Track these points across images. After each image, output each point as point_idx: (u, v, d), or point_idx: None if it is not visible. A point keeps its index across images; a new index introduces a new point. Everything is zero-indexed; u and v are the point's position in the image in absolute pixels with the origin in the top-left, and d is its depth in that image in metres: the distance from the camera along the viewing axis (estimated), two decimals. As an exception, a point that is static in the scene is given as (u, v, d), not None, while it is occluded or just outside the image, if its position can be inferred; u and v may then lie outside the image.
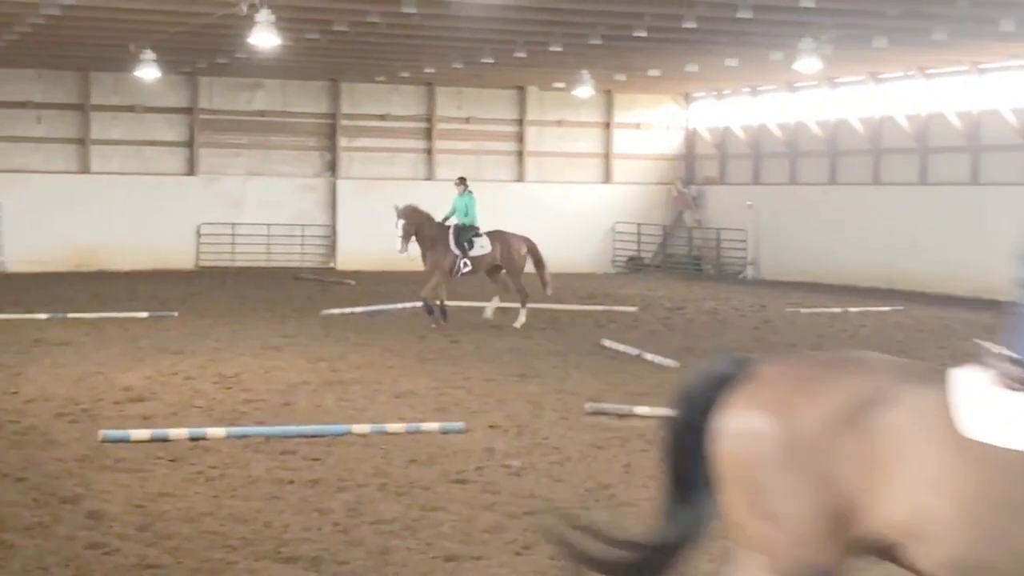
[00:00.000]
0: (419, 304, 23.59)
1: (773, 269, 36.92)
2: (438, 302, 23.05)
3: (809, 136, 36.63)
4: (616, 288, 32.71)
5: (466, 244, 23.26)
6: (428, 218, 23.47)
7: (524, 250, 24.25)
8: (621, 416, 13.97)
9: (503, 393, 15.63)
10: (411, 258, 23.79)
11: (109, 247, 35.60)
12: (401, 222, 23.03)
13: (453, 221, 23.72)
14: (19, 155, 35.94)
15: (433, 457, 11.88)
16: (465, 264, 23.21)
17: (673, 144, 41.71)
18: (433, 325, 22.48)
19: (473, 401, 15.05)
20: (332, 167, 38.96)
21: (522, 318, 23.32)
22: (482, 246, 23.45)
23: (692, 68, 31.63)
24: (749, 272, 37.27)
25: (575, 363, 18.40)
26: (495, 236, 23.89)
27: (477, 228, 23.70)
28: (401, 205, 23.47)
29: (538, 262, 24.39)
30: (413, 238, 23.24)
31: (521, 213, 39.22)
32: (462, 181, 24.48)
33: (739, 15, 22.14)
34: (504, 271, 23.86)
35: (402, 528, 9.43)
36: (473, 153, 39.87)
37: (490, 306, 23.73)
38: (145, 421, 13.42)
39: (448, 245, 23.13)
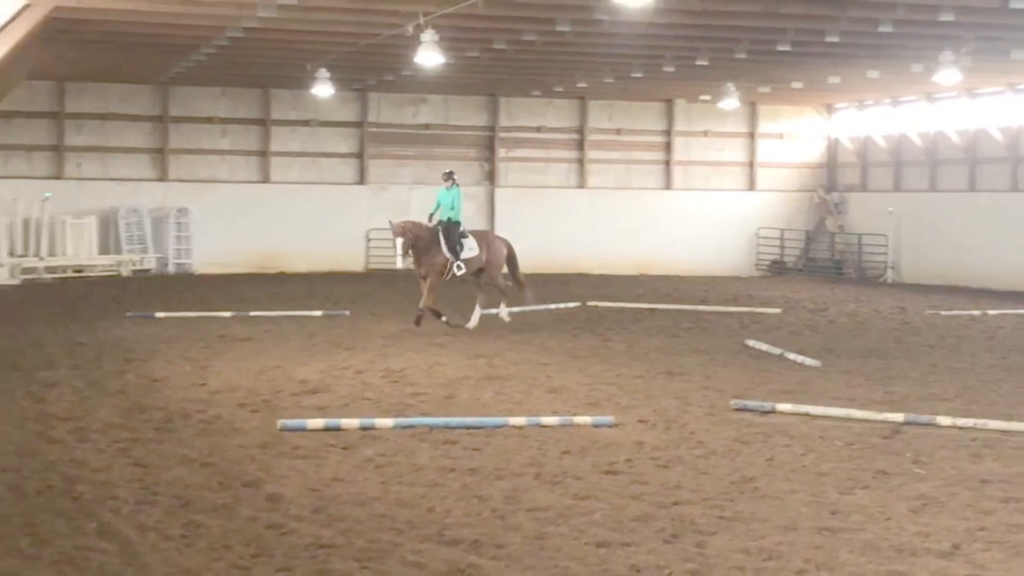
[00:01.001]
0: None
1: (913, 273, 36.19)
2: (422, 306, 21.72)
3: (948, 145, 35.82)
4: (760, 291, 32.35)
5: (457, 247, 21.87)
6: (421, 227, 21.97)
7: (505, 251, 22.88)
8: (764, 413, 13.83)
9: (651, 389, 15.57)
10: (406, 266, 22.31)
11: (287, 251, 36.21)
12: (400, 240, 21.45)
13: (438, 217, 22.26)
14: (206, 166, 36.76)
15: (585, 449, 11.88)
16: (459, 267, 21.92)
17: (815, 153, 41.09)
18: (445, 319, 21.79)
19: (623, 397, 15.01)
20: (490, 176, 39.11)
21: (476, 319, 22.16)
22: (471, 248, 22.07)
23: (834, 80, 31.19)
24: (889, 276, 36.57)
25: (720, 361, 18.25)
26: (480, 236, 22.78)
27: (460, 225, 22.15)
28: (395, 222, 22.09)
29: (513, 264, 23.19)
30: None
31: (668, 219, 39.23)
32: (450, 176, 22.59)
33: (880, 29, 21.77)
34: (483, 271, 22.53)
35: (556, 515, 9.44)
36: (623, 163, 39.78)
37: (502, 311, 22.72)
38: (319, 411, 13.64)
39: (441, 249, 21.73)
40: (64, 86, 35.11)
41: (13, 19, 18.81)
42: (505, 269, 23.12)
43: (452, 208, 22.03)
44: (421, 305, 21.69)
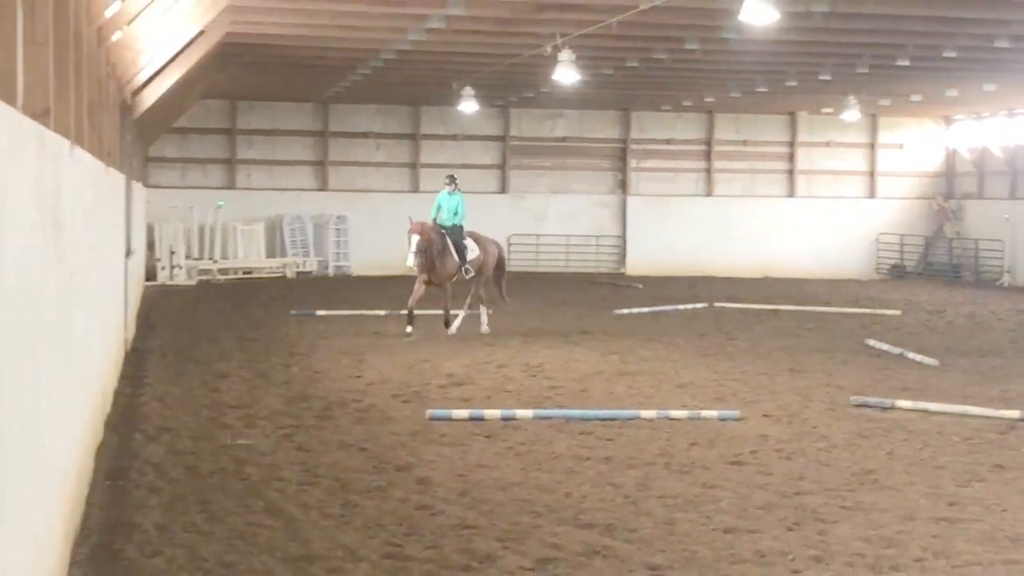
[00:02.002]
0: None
1: (1031, 277, 35.40)
2: (408, 311, 20.09)
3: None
4: (880, 293, 31.77)
5: (464, 251, 20.56)
6: (436, 231, 20.41)
7: (496, 253, 21.65)
8: (884, 409, 13.60)
9: (775, 386, 15.41)
10: (411, 268, 20.56)
11: (434, 255, 36.51)
12: (416, 238, 19.93)
13: (441, 220, 20.70)
14: (362, 177, 37.29)
15: (712, 441, 11.81)
16: (467, 271, 20.54)
17: (934, 162, 40.27)
18: (408, 336, 19.58)
19: (748, 392, 14.88)
20: (623, 185, 39.04)
21: (458, 324, 20.67)
22: (472, 249, 20.75)
23: (952, 93, 30.52)
24: (1006, 279, 35.65)
25: (841, 360, 17.98)
26: (474, 238, 21.22)
27: (463, 231, 20.80)
28: (414, 220, 20.38)
29: (501, 267, 21.89)
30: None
31: (791, 225, 38.78)
32: (452, 180, 21.19)
33: (997, 44, 21.25)
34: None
35: (685, 503, 9.41)
36: (748, 172, 39.44)
37: (483, 317, 21.09)
38: (464, 403, 13.76)
39: (451, 254, 20.39)
40: (235, 104, 35.91)
41: (189, 44, 19.27)
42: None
43: (456, 213, 20.76)
44: (412, 308, 20.10)
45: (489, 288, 21.35)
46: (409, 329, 19.64)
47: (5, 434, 4.78)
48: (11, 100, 5.97)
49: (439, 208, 20.83)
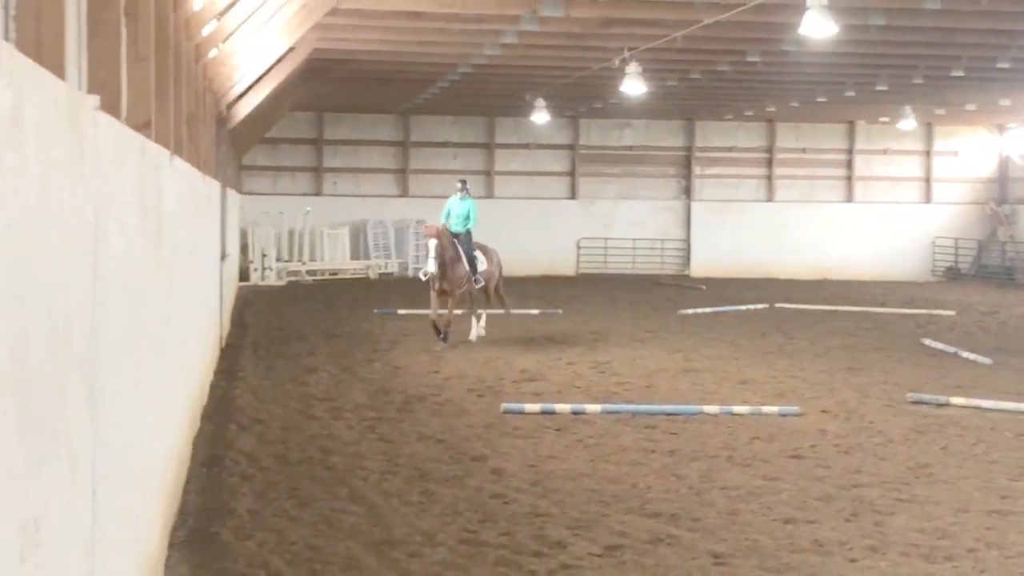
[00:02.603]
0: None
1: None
2: (442, 323, 18.26)
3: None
4: (935, 295, 31.33)
5: (475, 260, 18.74)
6: (449, 236, 18.57)
7: (499, 262, 19.96)
8: (939, 405, 13.41)
9: (833, 383, 15.25)
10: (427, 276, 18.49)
11: (508, 257, 36.12)
12: (434, 243, 18.08)
13: (451, 226, 18.86)
14: (440, 184, 37.31)
15: (772, 435, 11.72)
16: (477, 281, 18.66)
17: (988, 168, 39.69)
18: (438, 348, 17.79)
19: (807, 389, 14.75)
20: (687, 191, 38.88)
21: (484, 329, 19.23)
22: (482, 260, 18.92)
23: (1005, 103, 30.08)
24: (1058, 281, 35.12)
25: (897, 358, 17.76)
26: (481, 249, 19.36)
27: (472, 237, 19.03)
28: (429, 225, 19.31)
29: (501, 276, 20.28)
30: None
31: (849, 229, 38.42)
32: (463, 185, 19.38)
33: (1049, 55, 20.96)
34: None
35: (746, 493, 9.35)
36: (807, 178, 39.14)
37: (477, 328, 19.23)
38: (536, 397, 13.76)
39: (462, 261, 18.45)
40: (322, 116, 36.24)
41: (280, 60, 19.48)
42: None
43: (467, 219, 18.97)
44: (436, 319, 18.38)
45: (490, 297, 19.69)
46: (438, 347, 17.85)
47: (109, 426, 4.87)
48: (115, 113, 6.07)
49: (448, 213, 19.08)
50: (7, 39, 4.79)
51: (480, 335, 19.01)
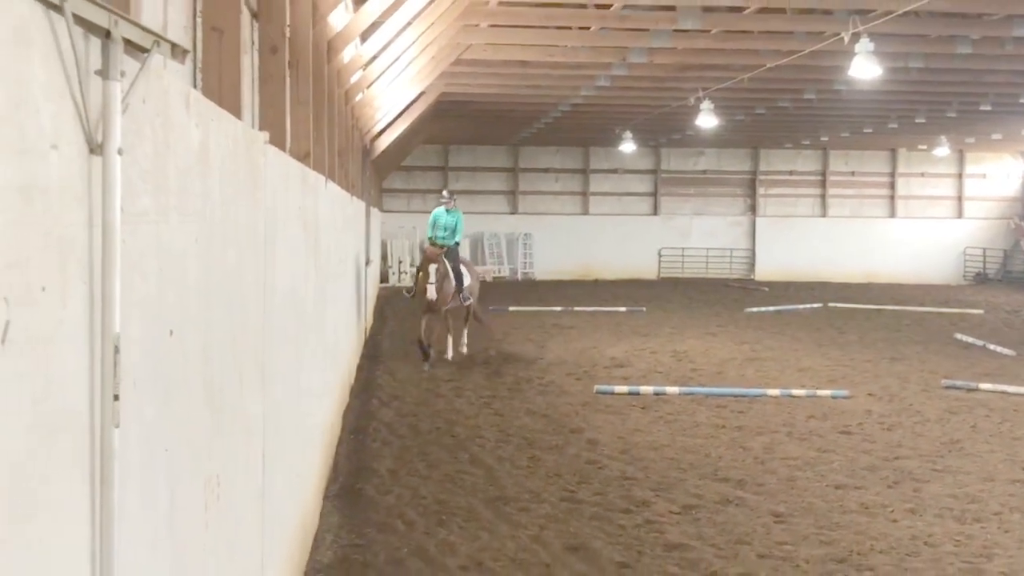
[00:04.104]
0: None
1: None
2: (429, 340, 14.76)
3: None
4: (966, 296, 30.44)
5: (462, 275, 15.39)
6: (441, 257, 15.07)
7: (477, 275, 16.93)
8: (969, 390, 13.03)
9: (878, 370, 14.92)
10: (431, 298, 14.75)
11: (600, 264, 36.53)
12: (434, 266, 14.69)
13: (437, 239, 15.35)
14: (543, 203, 37.52)
15: (825, 414, 11.51)
16: (465, 298, 15.33)
17: (1012, 188, 38.53)
18: (426, 367, 14.41)
19: (855, 376, 14.45)
20: (752, 209, 38.35)
21: (466, 347, 15.80)
22: (466, 275, 15.54)
23: (1028, 131, 29.22)
24: (1074, 285, 33.90)
25: (933, 350, 17.29)
26: (464, 264, 15.90)
27: (458, 250, 15.67)
28: (431, 248, 15.21)
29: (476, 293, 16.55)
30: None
31: (892, 241, 37.67)
32: (450, 196, 15.88)
33: (1068, 90, 20.26)
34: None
35: (803, 463, 9.20)
36: (856, 197, 38.42)
37: (452, 348, 15.59)
38: (624, 380, 13.70)
39: (451, 278, 15.06)
40: (448, 148, 36.54)
41: (412, 103, 19.70)
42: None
43: (455, 232, 15.51)
44: (423, 339, 14.79)
45: (470, 314, 16.03)
46: (426, 366, 14.51)
47: (278, 400, 4.97)
48: (282, 146, 6.20)
49: (434, 225, 15.56)
50: (196, 87, 4.91)
51: (462, 352, 15.57)
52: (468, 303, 15.47)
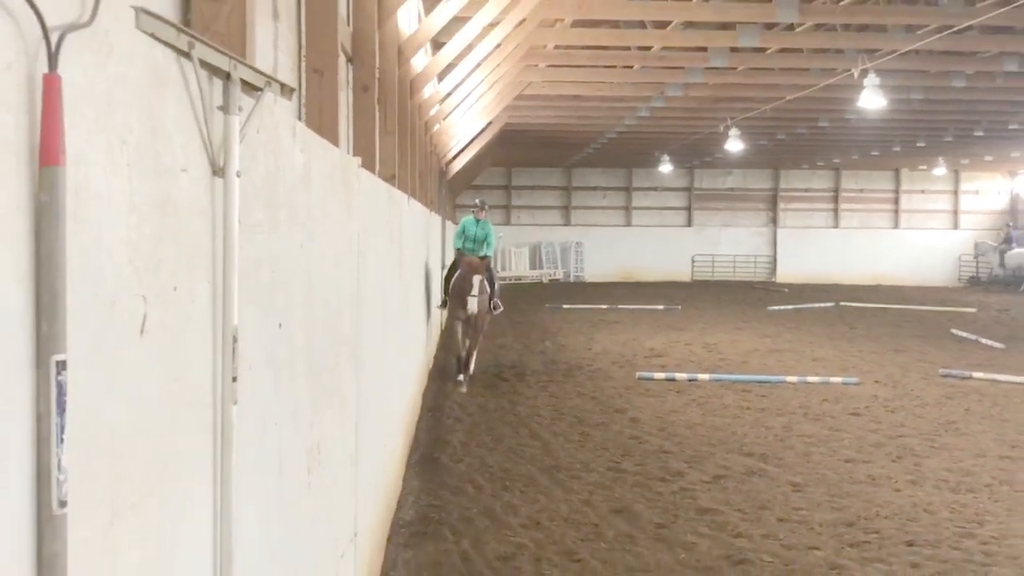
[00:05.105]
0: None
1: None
2: (465, 353, 11.86)
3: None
4: (960, 296, 29.70)
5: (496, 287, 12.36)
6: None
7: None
8: (963, 378, 12.70)
9: (883, 361, 14.61)
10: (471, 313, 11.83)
11: (641, 267, 36.33)
12: (479, 278, 11.62)
13: (468, 250, 12.36)
14: (592, 216, 37.43)
15: (837, 398, 11.30)
16: (496, 307, 12.22)
17: (1001, 203, 37.65)
18: (464, 389, 11.32)
19: (864, 365, 14.16)
20: (774, 221, 37.88)
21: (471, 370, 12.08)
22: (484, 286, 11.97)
23: (1016, 155, 28.57)
24: (1058, 287, 32.93)
25: (932, 343, 16.90)
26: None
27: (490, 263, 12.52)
28: (472, 259, 11.88)
29: None
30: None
31: (896, 248, 36.98)
32: (482, 205, 12.69)
33: (1053, 116, 19.71)
34: None
35: (817, 441, 9.04)
36: (864, 211, 37.83)
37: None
38: (662, 368, 13.57)
39: (485, 290, 11.92)
40: (510, 170, 36.61)
41: (481, 132, 19.77)
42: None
43: (486, 243, 12.40)
44: (463, 353, 11.92)
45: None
46: (461, 378, 11.67)
47: (367, 382, 5.01)
48: (372, 169, 6.25)
49: (463, 236, 12.44)
50: (300, 119, 4.98)
51: (470, 376, 11.95)
52: (499, 311, 12.44)
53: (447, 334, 12.71)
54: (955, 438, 9.16)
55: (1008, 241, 34.57)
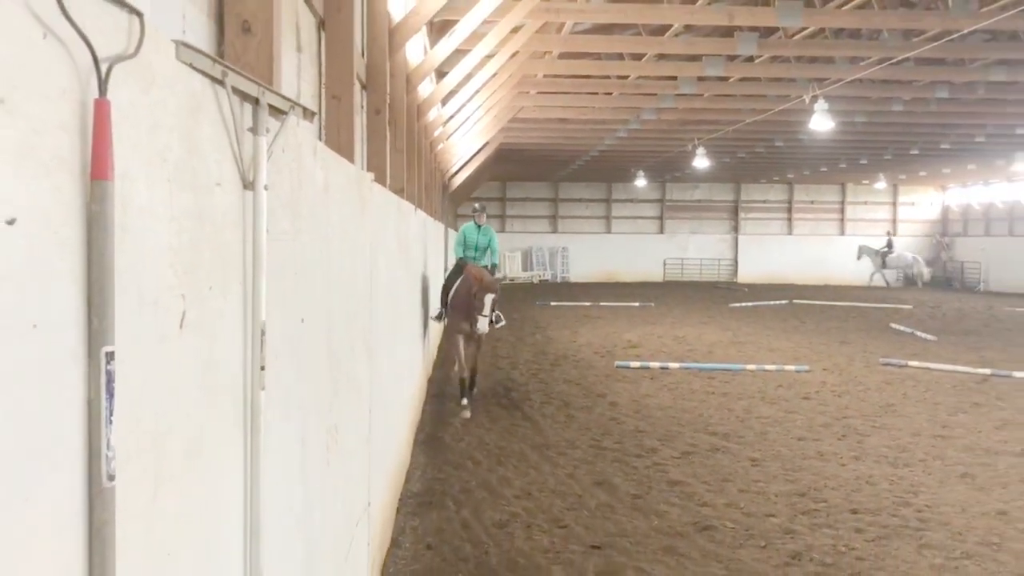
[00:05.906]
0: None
1: (997, 286, 32.51)
2: (466, 372, 9.47)
3: (1021, 208, 31.92)
4: (898, 295, 29.77)
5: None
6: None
7: None
8: (901, 367, 12.73)
9: (830, 351, 14.63)
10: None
11: (620, 269, 36.32)
12: (492, 296, 9.13)
13: (470, 259, 9.93)
14: (576, 225, 37.36)
15: (790, 384, 11.31)
16: (499, 319, 9.79)
17: (934, 213, 37.72)
18: (467, 415, 8.96)
19: (813, 355, 14.18)
20: (735, 229, 37.88)
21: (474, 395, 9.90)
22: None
23: (947, 171, 28.65)
24: (981, 287, 32.98)
25: (874, 336, 16.93)
26: None
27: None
28: (481, 274, 9.22)
29: None
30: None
31: (843, 252, 36.97)
32: (481, 209, 10.05)
33: (976, 140, 19.80)
34: None
35: (773, 421, 9.05)
36: (814, 220, 37.82)
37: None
38: (637, 357, 13.56)
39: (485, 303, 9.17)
40: (505, 184, 36.55)
41: (479, 150, 19.74)
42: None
43: (490, 250, 10.02)
44: (465, 373, 9.47)
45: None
46: (465, 401, 9.28)
47: (379, 370, 5.00)
48: (383, 183, 6.24)
49: (463, 243, 9.93)
50: (320, 140, 4.97)
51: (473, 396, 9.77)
52: (500, 325, 9.99)
53: (445, 347, 10.97)
54: (893, 419, 9.19)
55: (889, 246, 34.69)
